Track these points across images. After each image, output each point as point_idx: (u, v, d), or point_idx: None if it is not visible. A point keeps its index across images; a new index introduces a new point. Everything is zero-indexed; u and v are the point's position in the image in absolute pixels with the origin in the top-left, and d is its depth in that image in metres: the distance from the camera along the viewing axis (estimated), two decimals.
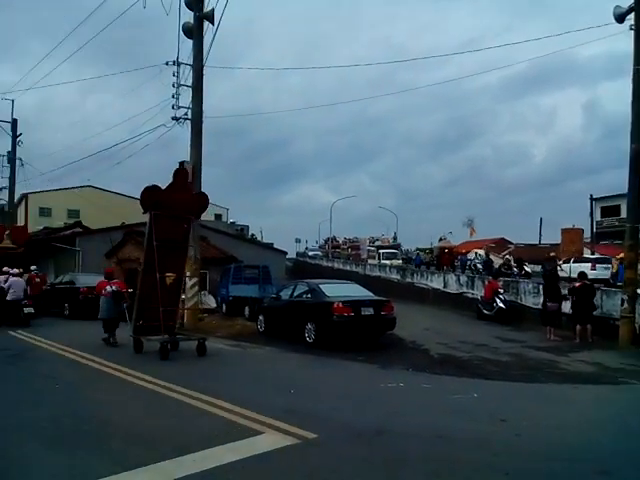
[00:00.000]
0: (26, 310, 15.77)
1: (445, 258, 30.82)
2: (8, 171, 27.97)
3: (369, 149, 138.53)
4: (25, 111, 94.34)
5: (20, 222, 31.65)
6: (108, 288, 12.46)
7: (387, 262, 37.49)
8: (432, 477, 4.26)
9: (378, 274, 32.63)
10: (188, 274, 15.32)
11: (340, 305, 11.46)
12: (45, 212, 43.35)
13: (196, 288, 15.65)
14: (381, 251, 44.42)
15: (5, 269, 17.03)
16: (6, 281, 16.07)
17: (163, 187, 10.95)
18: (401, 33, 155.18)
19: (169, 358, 9.94)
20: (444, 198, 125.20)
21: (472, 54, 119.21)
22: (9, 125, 28.06)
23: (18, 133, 28.13)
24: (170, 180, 11.23)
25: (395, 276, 30.21)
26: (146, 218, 10.99)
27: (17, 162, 27.85)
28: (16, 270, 17.14)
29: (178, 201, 11.07)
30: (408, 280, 28.26)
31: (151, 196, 10.83)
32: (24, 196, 37.01)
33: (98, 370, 8.90)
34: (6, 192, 28.70)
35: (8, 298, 15.67)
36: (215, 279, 22.36)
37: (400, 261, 39.03)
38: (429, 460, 4.60)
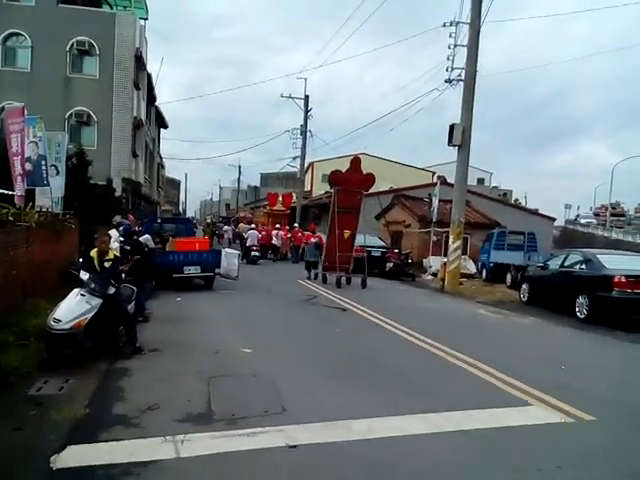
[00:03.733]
0: (253, 253, 21.86)
1: None
2: (300, 142, 32.47)
3: None
4: (315, 88, 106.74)
5: (307, 187, 36.60)
6: (312, 240, 17.97)
7: None
8: None
9: None
10: (451, 238, 15.68)
11: (622, 279, 10.23)
12: (327, 178, 48.48)
13: (458, 252, 15.82)
14: None
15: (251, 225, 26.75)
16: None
17: (343, 171, 15.91)
18: None
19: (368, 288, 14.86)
20: None
21: None
22: (302, 101, 32.29)
23: (309, 108, 32.17)
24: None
25: None
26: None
27: (308, 134, 32.03)
28: (253, 225, 26.64)
29: (353, 180, 15.67)
30: None
31: (335, 177, 16.00)
32: (311, 164, 42.47)
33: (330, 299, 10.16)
34: (298, 161, 33.35)
35: (247, 244, 22.45)
36: (475, 244, 22.16)
37: None
38: None
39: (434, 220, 19.97)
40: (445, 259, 16.84)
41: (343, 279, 15.36)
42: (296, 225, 26.86)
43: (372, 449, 3.99)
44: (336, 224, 15.34)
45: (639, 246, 30.31)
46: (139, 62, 25.00)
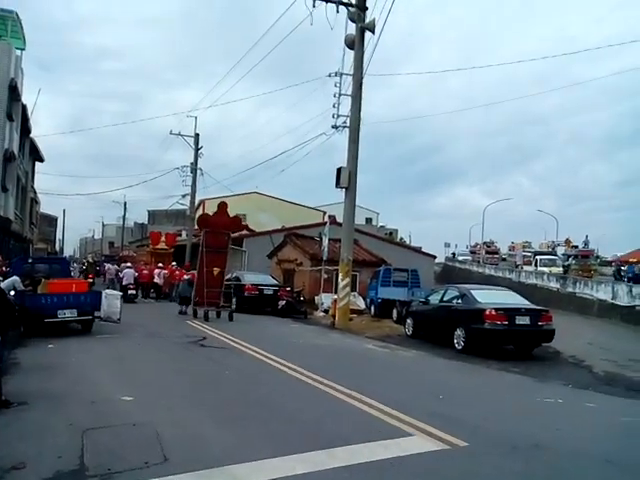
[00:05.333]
0: (130, 292, 21.92)
1: None
2: (190, 180, 31.96)
3: (529, 149, 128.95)
4: (207, 126, 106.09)
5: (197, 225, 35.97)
6: (185, 277, 19.22)
7: (545, 269, 34.86)
8: None
9: (534, 282, 30.66)
10: (341, 276, 16.11)
11: (493, 312, 11.12)
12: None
13: (348, 289, 16.27)
14: (538, 257, 41.06)
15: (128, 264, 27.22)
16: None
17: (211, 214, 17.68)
18: (575, 24, 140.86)
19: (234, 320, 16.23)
20: (615, 200, 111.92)
21: None
22: (192, 139, 31.94)
23: (200, 146, 31.90)
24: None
25: (554, 284, 28.09)
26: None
27: (198, 172, 31.65)
28: (129, 263, 27.14)
29: (220, 223, 17.23)
30: (569, 289, 26.11)
31: (204, 220, 18.31)
32: (202, 202, 41.64)
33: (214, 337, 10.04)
34: (188, 198, 32.76)
35: (123, 283, 22.85)
36: (364, 281, 22.93)
37: (560, 269, 35.90)
38: None
39: (325, 258, 20.42)
40: (336, 296, 17.24)
41: (213, 313, 16.54)
42: (174, 264, 27.04)
43: None
44: (204, 263, 16.68)
45: (509, 280, 33.15)
46: (14, 93, 23.35)
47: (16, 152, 25.31)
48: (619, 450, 5.23)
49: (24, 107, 26.94)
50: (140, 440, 5.00)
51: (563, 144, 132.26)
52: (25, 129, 28.92)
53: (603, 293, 22.59)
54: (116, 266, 30.21)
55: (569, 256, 38.65)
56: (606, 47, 70.05)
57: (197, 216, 17.38)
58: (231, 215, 17.76)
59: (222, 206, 17.88)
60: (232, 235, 30.62)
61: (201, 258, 16.80)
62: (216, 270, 16.80)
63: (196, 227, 37.00)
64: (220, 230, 17.17)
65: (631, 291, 20.49)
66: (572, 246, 42.43)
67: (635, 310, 19.49)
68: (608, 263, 45.58)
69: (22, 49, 25.28)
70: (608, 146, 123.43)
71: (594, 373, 10.12)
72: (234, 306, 19.29)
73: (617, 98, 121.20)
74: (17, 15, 23.93)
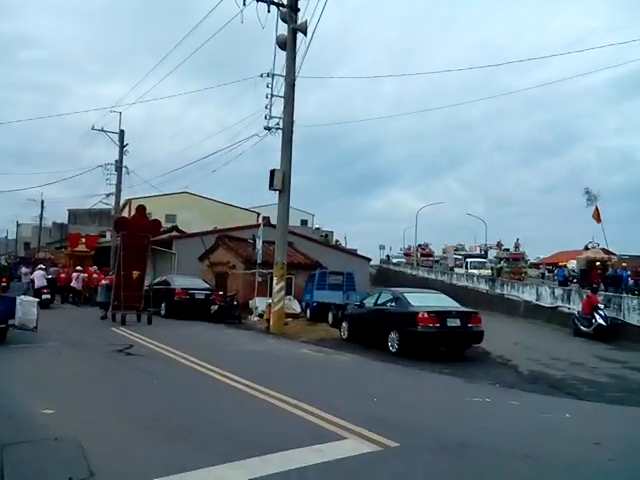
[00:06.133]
0: (44, 297, 20.24)
1: (595, 274, 23.72)
2: (115, 178, 30.45)
3: (459, 155, 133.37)
4: (133, 122, 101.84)
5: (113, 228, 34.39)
6: (103, 282, 18.66)
7: (475, 272, 36.22)
8: None
9: (465, 284, 31.76)
10: (275, 280, 15.93)
11: (425, 315, 11.34)
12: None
13: (282, 293, 16.10)
14: (469, 260, 42.64)
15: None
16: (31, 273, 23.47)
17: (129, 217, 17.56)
18: (500, 35, 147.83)
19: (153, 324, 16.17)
20: (539, 205, 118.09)
21: (576, 55, 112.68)
22: (117, 136, 30.50)
23: (125, 143, 30.47)
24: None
25: (483, 286, 29.23)
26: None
27: (123, 170, 30.25)
28: (41, 265, 25.10)
29: (139, 225, 17.25)
30: (498, 291, 27.23)
31: (121, 222, 18.68)
32: (128, 201, 39.62)
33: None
34: (113, 198, 31.25)
35: (35, 286, 21.46)
36: (300, 284, 22.81)
37: (489, 271, 37.41)
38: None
39: (259, 261, 20.15)
40: (270, 300, 17.01)
41: (134, 317, 16.49)
42: (94, 267, 26.30)
43: None
44: (122, 266, 16.56)
45: (441, 282, 34.15)
46: None
47: None
48: (537, 446, 5.47)
49: None
50: (64, 455, 4.71)
51: (489, 150, 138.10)
52: None
53: (528, 295, 23.72)
54: (31, 269, 28.34)
55: (501, 259, 40.03)
56: (527, 60, 74.48)
57: (115, 219, 17.27)
58: (155, 217, 18.23)
59: (140, 209, 18.02)
60: (161, 237, 29.72)
61: (119, 261, 16.77)
62: (135, 273, 16.72)
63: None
64: (139, 233, 17.06)
65: (554, 292, 21.64)
66: (503, 249, 44.06)
67: (557, 311, 20.58)
68: (535, 265, 48.06)
69: None
70: (530, 153, 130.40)
71: (519, 372, 10.57)
72: (163, 311, 18.63)
73: (540, 108, 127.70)
74: None
